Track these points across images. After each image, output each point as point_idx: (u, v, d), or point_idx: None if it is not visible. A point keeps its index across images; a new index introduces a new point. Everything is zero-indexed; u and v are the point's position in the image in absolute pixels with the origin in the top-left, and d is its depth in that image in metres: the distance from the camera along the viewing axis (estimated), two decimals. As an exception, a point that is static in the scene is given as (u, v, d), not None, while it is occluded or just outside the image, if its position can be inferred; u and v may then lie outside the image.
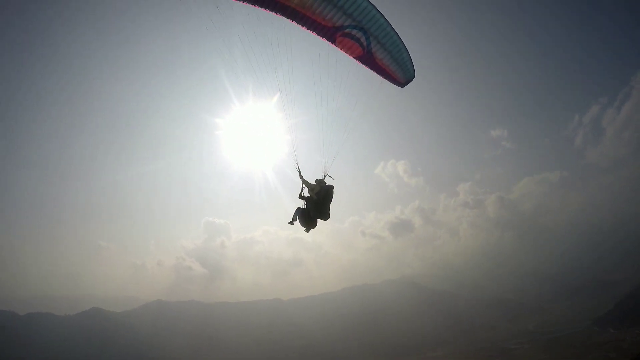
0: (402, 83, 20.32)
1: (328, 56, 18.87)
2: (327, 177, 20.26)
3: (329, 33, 17.95)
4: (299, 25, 17.89)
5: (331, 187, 20.04)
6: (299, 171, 20.02)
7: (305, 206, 20.18)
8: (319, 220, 20.29)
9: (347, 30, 17.85)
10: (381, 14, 17.95)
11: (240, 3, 17.06)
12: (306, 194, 20.18)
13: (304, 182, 20.16)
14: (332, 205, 20.10)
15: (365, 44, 18.25)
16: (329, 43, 18.46)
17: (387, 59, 19.06)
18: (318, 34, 18.13)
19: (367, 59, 18.89)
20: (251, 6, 17.12)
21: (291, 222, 20.77)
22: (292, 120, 20.46)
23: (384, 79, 20.06)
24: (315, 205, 19.91)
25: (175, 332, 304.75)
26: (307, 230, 20.76)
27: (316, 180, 20.13)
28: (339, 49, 18.61)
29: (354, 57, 18.94)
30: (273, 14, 17.44)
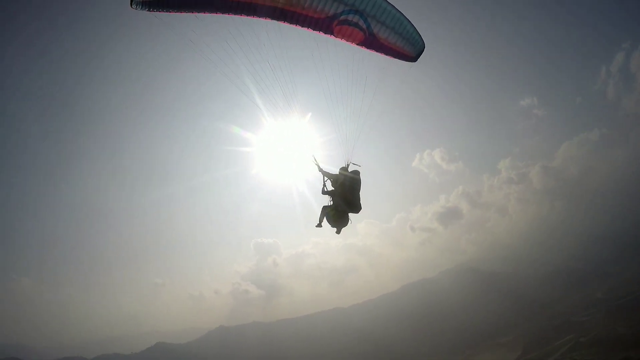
0: (413, 57, 18.91)
1: (327, 48, 17.64)
2: (351, 165, 18.49)
3: (325, 25, 16.99)
4: (291, 25, 17.01)
5: (357, 173, 18.28)
6: (317, 164, 18.46)
7: (332, 202, 18.36)
8: (352, 218, 18.37)
9: (342, 18, 16.84)
10: None
11: (227, 15, 16.44)
12: (330, 187, 18.48)
13: (324, 173, 18.45)
14: (362, 195, 18.31)
15: (364, 27, 17.15)
16: (326, 36, 17.41)
17: (392, 36, 17.82)
18: (313, 29, 17.14)
19: (371, 42, 17.73)
20: (237, 16, 16.45)
21: (319, 225, 18.72)
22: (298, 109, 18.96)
23: (393, 58, 18.75)
24: (343, 197, 18.01)
25: (240, 355, 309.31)
26: (338, 231, 18.67)
27: (340, 170, 18.48)
28: (339, 40, 17.56)
29: (357, 44, 17.80)
30: (262, 19, 16.74)
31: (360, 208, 18.23)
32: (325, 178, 18.48)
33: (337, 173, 18.41)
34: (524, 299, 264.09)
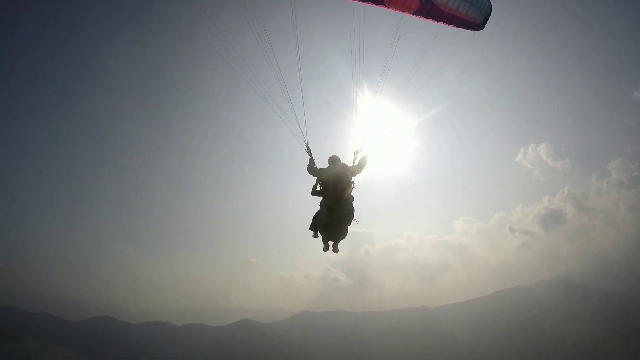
0: (479, 24, 15.69)
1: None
2: (358, 153, 14.88)
3: None
4: None
5: (342, 170, 14.34)
6: (309, 151, 14.97)
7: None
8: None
9: None
10: None
11: None
12: (319, 187, 14.81)
13: (311, 170, 14.88)
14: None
15: None
16: (377, 6, 14.79)
17: (457, 2, 14.67)
18: (361, 1, 14.63)
19: (429, 9, 14.77)
20: None
21: (315, 235, 15.18)
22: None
23: (456, 28, 15.59)
24: (324, 206, 14.41)
25: (323, 342, 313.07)
26: (325, 248, 15.17)
27: (328, 163, 14.98)
28: (391, 9, 14.85)
29: (412, 14, 14.85)
30: None
31: (343, 235, 14.77)
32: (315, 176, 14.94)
33: (323, 168, 14.79)
34: (627, 322, 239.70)
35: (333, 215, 14.20)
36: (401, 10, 14.86)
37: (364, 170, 14.69)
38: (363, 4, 14.75)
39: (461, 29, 15.66)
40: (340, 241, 15.13)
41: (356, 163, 14.66)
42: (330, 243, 15.18)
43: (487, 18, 15.62)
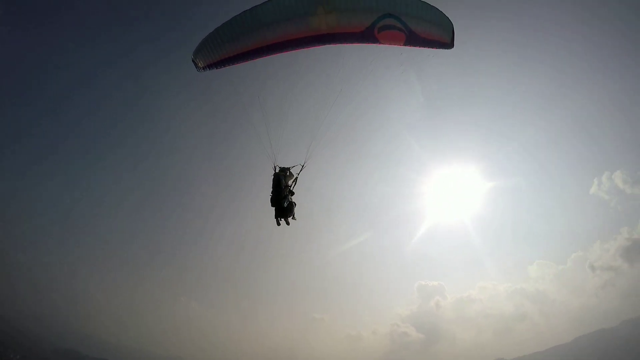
0: (449, 42, 18.74)
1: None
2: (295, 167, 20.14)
3: (368, 35, 17.74)
4: (339, 44, 18.14)
5: (282, 170, 19.72)
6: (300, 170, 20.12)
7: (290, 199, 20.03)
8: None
9: (380, 24, 17.48)
10: None
11: (282, 53, 18.02)
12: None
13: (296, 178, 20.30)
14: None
15: (402, 26, 17.61)
16: (374, 45, 18.14)
17: (427, 26, 18.01)
18: (360, 42, 18.08)
19: (413, 39, 18.04)
20: (291, 51, 18.06)
21: (293, 217, 20.29)
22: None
23: (432, 49, 18.80)
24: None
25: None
26: (278, 222, 20.01)
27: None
28: (385, 45, 18.13)
29: (402, 45, 18.18)
30: (311, 47, 18.07)
31: (275, 205, 19.51)
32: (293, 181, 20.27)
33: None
34: None
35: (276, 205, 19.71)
36: (393, 44, 18.03)
37: (290, 182, 20.00)
38: (363, 44, 18.07)
39: (435, 48, 18.81)
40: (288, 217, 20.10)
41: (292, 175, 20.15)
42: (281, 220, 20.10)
43: (453, 36, 18.57)
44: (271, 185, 19.49)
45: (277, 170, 19.67)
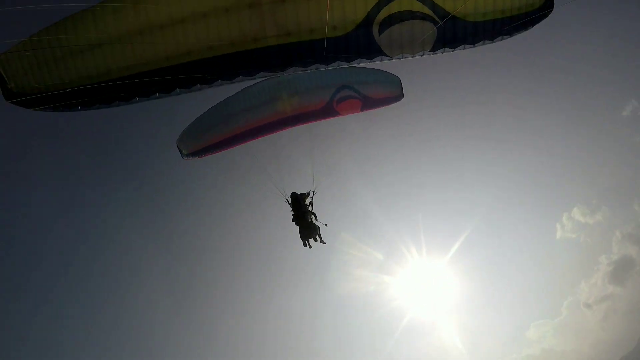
0: (399, 94, 19.65)
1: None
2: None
3: (329, 110, 18.54)
4: (304, 124, 18.82)
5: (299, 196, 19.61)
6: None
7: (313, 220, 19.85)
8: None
9: (337, 97, 18.31)
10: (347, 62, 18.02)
11: (256, 139, 18.69)
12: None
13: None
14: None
15: (356, 94, 18.48)
16: (335, 118, 19.04)
17: (378, 88, 18.98)
18: (323, 119, 18.84)
19: (369, 103, 18.96)
20: (262, 137, 18.72)
21: (323, 242, 20.17)
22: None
23: (387, 106, 19.87)
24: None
25: None
26: (304, 243, 19.86)
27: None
28: (345, 115, 19.10)
29: (359, 111, 19.13)
30: (280, 131, 18.76)
31: (299, 221, 19.44)
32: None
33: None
34: None
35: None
36: (352, 112, 18.94)
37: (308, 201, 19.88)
38: (325, 120, 18.90)
39: (391, 105, 19.70)
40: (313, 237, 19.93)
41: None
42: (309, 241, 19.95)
43: (402, 88, 19.32)
44: (290, 207, 19.54)
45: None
